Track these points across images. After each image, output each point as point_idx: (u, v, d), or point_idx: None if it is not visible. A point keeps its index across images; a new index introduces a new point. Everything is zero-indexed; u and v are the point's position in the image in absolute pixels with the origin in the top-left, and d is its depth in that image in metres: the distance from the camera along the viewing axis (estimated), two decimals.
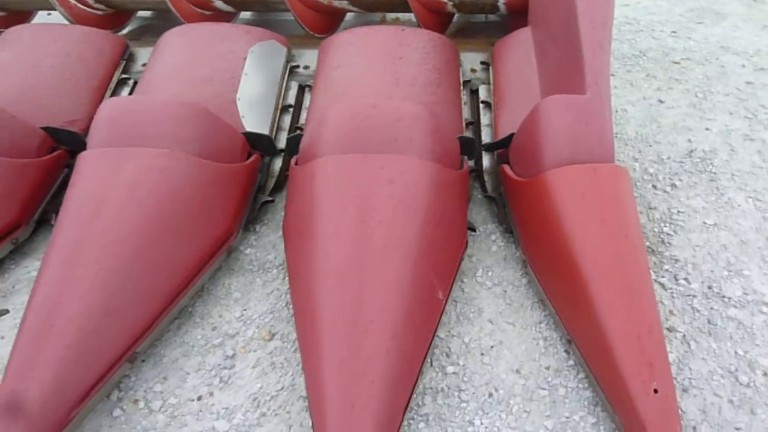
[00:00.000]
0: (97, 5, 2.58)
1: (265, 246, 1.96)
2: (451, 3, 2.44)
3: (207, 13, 2.57)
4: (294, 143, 1.95)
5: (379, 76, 2.07)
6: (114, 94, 2.31)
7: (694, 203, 2.10)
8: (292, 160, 1.86)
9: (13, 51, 2.22)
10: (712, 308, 1.72)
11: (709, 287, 1.79)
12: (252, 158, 1.94)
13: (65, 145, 2.03)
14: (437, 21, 2.51)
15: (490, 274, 1.84)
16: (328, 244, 1.51)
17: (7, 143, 1.86)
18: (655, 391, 1.31)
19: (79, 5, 2.56)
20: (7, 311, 1.75)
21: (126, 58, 2.43)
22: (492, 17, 2.74)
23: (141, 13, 2.92)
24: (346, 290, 1.43)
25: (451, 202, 1.72)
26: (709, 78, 2.83)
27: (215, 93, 2.05)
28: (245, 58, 2.19)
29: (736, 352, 1.60)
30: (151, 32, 2.79)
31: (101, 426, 1.46)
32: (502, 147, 1.97)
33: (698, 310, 1.72)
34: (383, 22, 2.77)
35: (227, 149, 1.85)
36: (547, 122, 1.71)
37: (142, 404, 1.51)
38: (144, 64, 2.47)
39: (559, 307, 1.58)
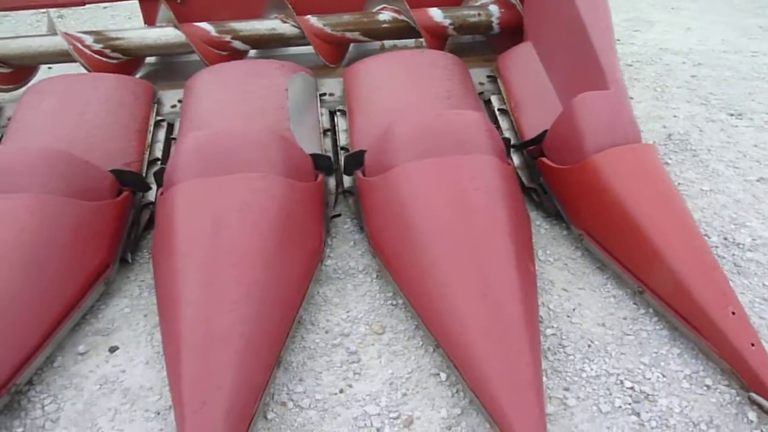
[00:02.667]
0: (113, 54, 2.64)
1: (342, 255, 2.11)
2: (451, 26, 2.74)
3: (224, 53, 2.71)
4: (352, 161, 2.14)
5: (419, 91, 2.31)
6: (153, 135, 2.40)
7: (688, 175, 2.50)
8: (358, 173, 2.06)
9: (54, 101, 2.27)
10: (733, 254, 2.08)
11: (725, 238, 2.15)
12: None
13: (130, 186, 2.10)
14: (438, 44, 2.79)
15: (548, 252, 2.11)
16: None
17: (84, 187, 1.93)
18: (733, 313, 1.61)
19: (96, 56, 2.61)
20: (117, 348, 1.79)
21: (156, 101, 2.52)
22: (478, 37, 3.06)
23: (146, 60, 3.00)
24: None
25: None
26: (660, 75, 3.31)
27: (272, 123, 2.20)
28: (287, 90, 2.36)
29: (763, 284, 1.96)
30: (160, 77, 2.88)
31: (259, 429, 1.55)
32: (534, 144, 2.26)
33: (723, 257, 2.07)
34: (383, 49, 3.02)
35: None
36: (585, 115, 2.02)
37: (290, 405, 1.62)
38: (173, 106, 2.57)
39: (629, 264, 1.86)
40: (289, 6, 2.62)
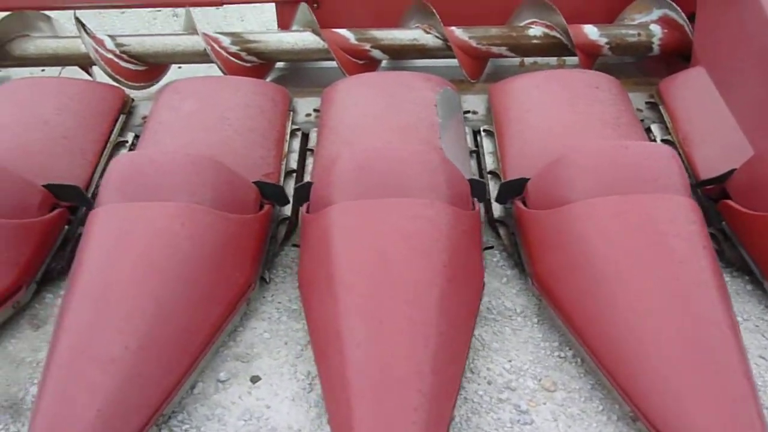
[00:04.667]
0: (248, 57, 2.55)
1: (495, 293, 1.90)
2: (607, 45, 2.51)
3: (360, 62, 2.57)
4: (509, 189, 1.94)
5: (583, 116, 2.09)
6: (289, 145, 2.27)
7: None
8: None
9: (195, 102, 2.19)
10: None
11: None
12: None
13: (271, 199, 1.97)
14: (589, 64, 2.57)
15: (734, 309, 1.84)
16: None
17: (231, 198, 1.79)
18: None
19: (231, 58, 2.52)
20: (259, 378, 1.65)
21: (291, 109, 2.40)
22: (626, 58, 2.81)
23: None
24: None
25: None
26: None
27: (424, 141, 2.03)
28: (435, 105, 2.19)
29: None
30: (289, 83, 2.76)
31: None
32: (717, 182, 2.00)
33: None
34: (522, 66, 2.82)
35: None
36: None
37: None
38: (308, 114, 2.45)
39: None
40: (436, 15, 2.46)
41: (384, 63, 2.82)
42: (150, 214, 1.63)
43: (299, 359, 1.70)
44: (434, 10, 2.47)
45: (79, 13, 2.64)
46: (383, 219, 1.61)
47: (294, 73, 2.81)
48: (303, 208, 1.89)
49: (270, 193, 1.96)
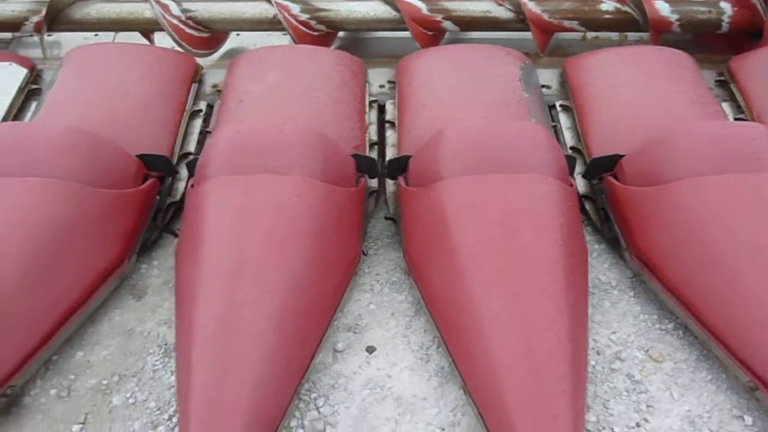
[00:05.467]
0: (318, 26, 2.50)
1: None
2: (678, 22, 2.52)
3: (429, 33, 2.55)
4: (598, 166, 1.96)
5: (671, 95, 2.11)
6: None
7: None
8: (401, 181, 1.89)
9: (279, 73, 2.15)
10: None
11: None
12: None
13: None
14: (656, 40, 2.57)
15: None
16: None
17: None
18: None
19: (300, 26, 2.48)
20: (374, 348, 1.68)
21: (367, 79, 2.38)
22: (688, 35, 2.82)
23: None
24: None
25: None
26: None
27: (515, 116, 2.03)
28: (520, 80, 2.19)
29: None
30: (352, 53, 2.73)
31: None
32: None
33: None
34: (584, 40, 2.81)
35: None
36: None
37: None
38: (382, 86, 2.42)
39: None
40: None
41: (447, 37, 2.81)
42: (269, 187, 1.63)
43: (410, 330, 1.73)
44: None
45: None
46: (502, 194, 1.63)
47: (354, 42, 2.78)
48: (400, 181, 1.91)
49: (363, 165, 1.96)
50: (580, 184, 2.10)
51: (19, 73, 2.37)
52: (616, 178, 1.92)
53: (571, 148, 2.20)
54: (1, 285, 1.49)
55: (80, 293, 1.64)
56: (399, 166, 1.95)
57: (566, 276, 1.52)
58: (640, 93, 2.13)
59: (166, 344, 1.69)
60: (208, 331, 1.40)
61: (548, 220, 1.60)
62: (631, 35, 2.83)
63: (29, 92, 2.37)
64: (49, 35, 2.65)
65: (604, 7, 2.53)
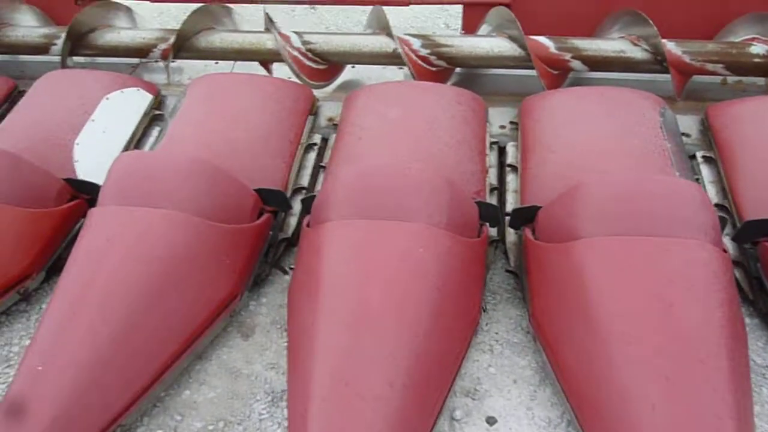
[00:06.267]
0: (438, 62, 2.43)
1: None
2: None
3: (555, 72, 2.41)
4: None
5: None
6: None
7: None
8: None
9: (401, 109, 2.07)
10: None
11: None
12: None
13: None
14: None
15: None
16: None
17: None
18: None
19: (420, 61, 2.41)
20: (495, 420, 1.53)
21: (487, 119, 2.27)
22: None
23: None
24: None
25: None
26: None
27: (659, 168, 1.84)
28: (661, 128, 1.99)
29: None
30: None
31: None
32: None
33: None
34: (724, 84, 2.58)
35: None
36: None
37: None
38: (503, 126, 2.30)
39: None
40: (653, 25, 2.25)
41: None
42: (394, 235, 1.55)
43: (534, 401, 1.56)
44: (650, 20, 2.27)
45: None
46: (656, 261, 1.44)
47: (471, 78, 2.67)
48: (527, 233, 1.77)
49: (486, 213, 1.82)
50: (729, 248, 1.88)
51: (145, 99, 2.44)
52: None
53: (716, 205, 1.98)
54: (118, 318, 1.47)
55: (194, 329, 1.60)
56: (525, 217, 1.81)
57: (730, 362, 1.31)
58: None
59: (273, 392, 1.61)
60: (324, 390, 1.30)
61: (709, 294, 1.40)
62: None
63: (152, 117, 2.43)
64: (173, 62, 2.73)
65: (754, 50, 2.29)
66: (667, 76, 2.37)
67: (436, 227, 1.58)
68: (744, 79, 2.56)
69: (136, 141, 2.31)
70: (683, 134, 2.22)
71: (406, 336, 1.39)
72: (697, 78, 2.55)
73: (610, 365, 1.33)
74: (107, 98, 2.34)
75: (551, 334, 1.53)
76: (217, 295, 1.67)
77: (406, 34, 2.45)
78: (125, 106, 2.37)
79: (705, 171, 2.10)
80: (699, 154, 2.14)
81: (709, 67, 2.31)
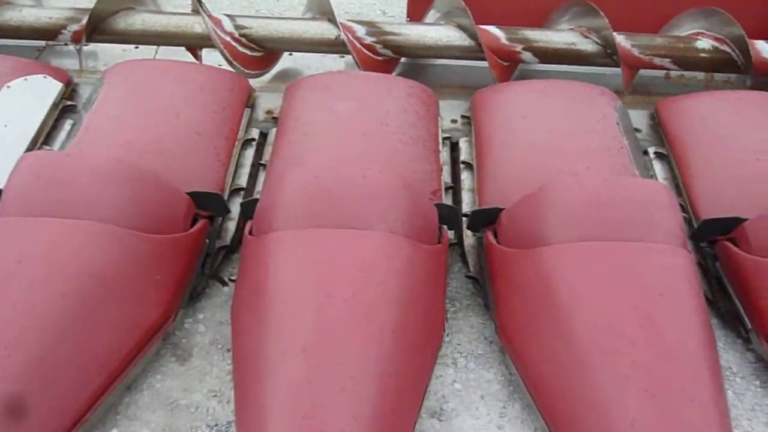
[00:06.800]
0: (383, 51, 2.27)
1: None
2: None
3: (505, 64, 2.31)
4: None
5: None
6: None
7: None
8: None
9: (352, 104, 1.90)
10: None
11: None
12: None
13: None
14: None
15: None
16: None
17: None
18: None
19: (365, 50, 2.24)
20: None
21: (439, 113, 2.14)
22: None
23: None
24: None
25: None
26: None
27: (619, 166, 1.78)
28: (617, 123, 1.94)
29: None
30: None
31: None
32: None
33: None
34: (667, 78, 2.57)
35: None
36: None
37: None
38: (455, 120, 2.18)
39: None
40: (604, 17, 2.20)
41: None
42: (351, 246, 1.39)
43: (504, 419, 1.46)
44: (600, 11, 2.21)
45: None
46: (632, 268, 1.37)
47: (416, 69, 2.53)
48: (489, 237, 1.66)
49: (446, 216, 1.70)
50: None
51: (54, 88, 2.13)
52: (734, 243, 1.68)
53: None
54: (29, 349, 1.23)
55: (121, 358, 1.38)
56: (486, 219, 1.70)
57: (710, 372, 1.26)
58: (759, 145, 1.88)
59: (217, 424, 1.42)
60: (279, 424, 1.14)
61: (685, 300, 1.34)
62: (718, 76, 2.60)
63: (63, 109, 2.14)
64: (86, 45, 2.43)
65: (700, 45, 2.29)
66: (615, 69, 2.35)
67: (398, 235, 1.44)
68: (686, 73, 2.59)
69: (44, 137, 2.01)
70: (636, 129, 2.20)
71: (371, 359, 1.24)
72: (642, 72, 2.53)
73: (587, 378, 1.25)
74: (8, 86, 2.03)
75: (522, 347, 1.43)
76: (147, 317, 1.45)
77: (349, 20, 2.28)
78: (30, 95, 2.05)
79: (658, 167, 2.06)
80: (651, 150, 2.11)
81: (657, 61, 2.29)
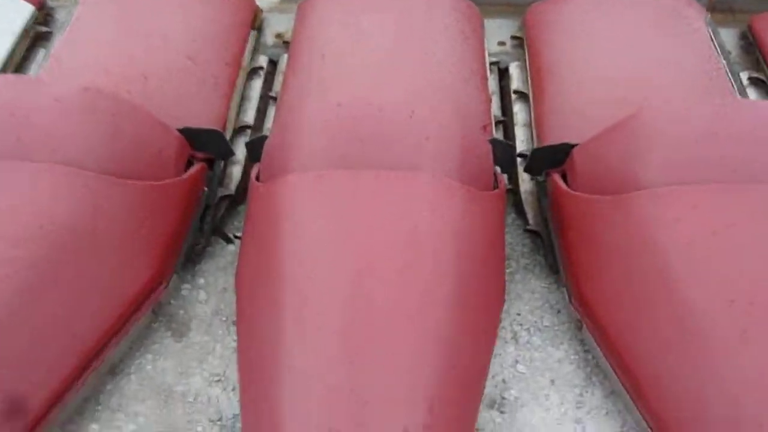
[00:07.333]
0: None
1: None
2: None
3: None
4: None
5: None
6: None
7: None
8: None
9: (382, 16, 1.54)
10: None
11: None
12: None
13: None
14: None
15: None
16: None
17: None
18: None
19: None
20: None
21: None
22: None
23: None
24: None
25: None
26: None
27: (719, 95, 1.42)
28: (712, 40, 1.56)
29: None
30: None
31: None
32: None
33: None
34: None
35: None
36: None
37: None
38: (502, 43, 1.81)
39: None
40: None
41: None
42: (393, 190, 1.06)
43: (582, 410, 1.16)
44: None
45: None
46: (757, 214, 1.04)
47: None
48: (557, 181, 1.31)
49: (501, 155, 1.35)
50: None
51: (24, 11, 1.80)
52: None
53: None
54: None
55: (101, 333, 1.11)
56: (551, 158, 1.36)
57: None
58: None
59: (221, 418, 1.14)
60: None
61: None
62: None
63: (36, 36, 1.81)
64: None
65: None
66: None
67: (449, 178, 1.11)
68: None
69: (14, 67, 1.70)
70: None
71: (419, 337, 0.93)
72: None
73: (713, 366, 0.93)
74: None
75: (608, 319, 1.11)
76: (131, 283, 1.16)
77: None
78: None
79: (753, 96, 1.69)
80: (744, 76, 1.73)
81: None
